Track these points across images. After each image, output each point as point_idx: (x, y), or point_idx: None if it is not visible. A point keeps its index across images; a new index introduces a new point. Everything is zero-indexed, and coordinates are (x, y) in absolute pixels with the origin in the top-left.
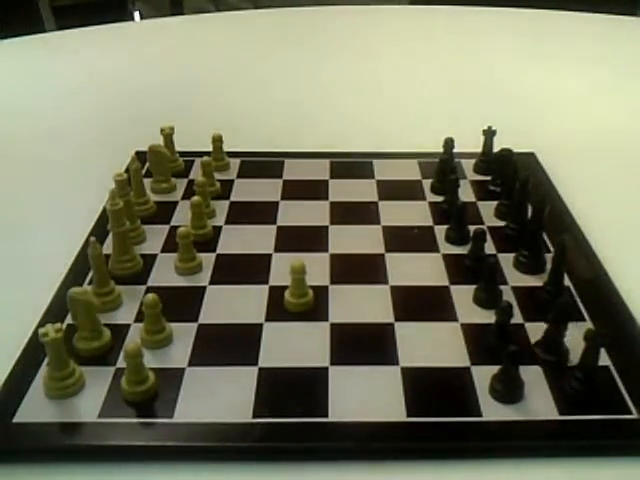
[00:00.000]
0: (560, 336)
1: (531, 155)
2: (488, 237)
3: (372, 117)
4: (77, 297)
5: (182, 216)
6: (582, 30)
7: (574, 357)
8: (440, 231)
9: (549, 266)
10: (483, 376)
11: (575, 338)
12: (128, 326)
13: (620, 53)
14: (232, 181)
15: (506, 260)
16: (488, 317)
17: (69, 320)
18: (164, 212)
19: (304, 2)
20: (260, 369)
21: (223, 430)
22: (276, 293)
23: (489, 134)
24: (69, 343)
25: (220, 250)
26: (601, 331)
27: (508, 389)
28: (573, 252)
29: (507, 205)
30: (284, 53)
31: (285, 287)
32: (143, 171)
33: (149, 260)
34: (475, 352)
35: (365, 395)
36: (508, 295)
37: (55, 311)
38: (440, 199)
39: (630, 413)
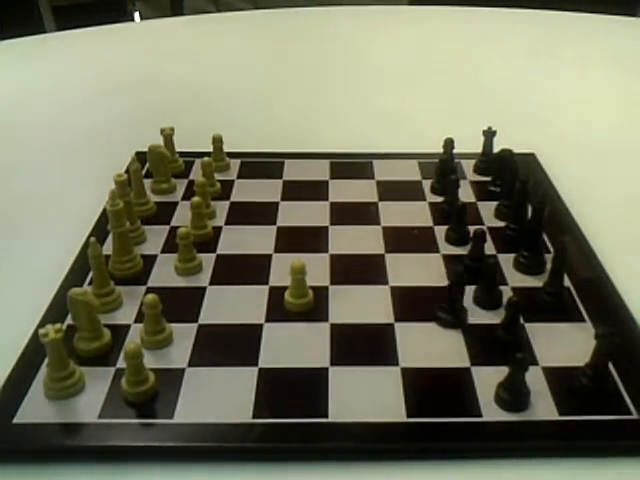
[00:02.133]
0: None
1: (531, 155)
2: (488, 237)
3: (372, 117)
4: (77, 297)
5: (182, 216)
6: (582, 30)
7: (572, 356)
8: (440, 231)
9: (549, 266)
10: (483, 377)
11: (577, 338)
12: (128, 326)
13: (620, 53)
14: (232, 181)
15: (506, 261)
16: (488, 318)
17: (69, 320)
18: (164, 212)
19: (304, 3)
20: (260, 369)
21: (223, 430)
22: (276, 293)
23: (489, 134)
24: (69, 343)
25: (220, 250)
26: (612, 330)
27: (515, 398)
28: (573, 252)
29: (507, 205)
30: (284, 53)
31: (285, 287)
32: (143, 171)
33: (149, 260)
34: (475, 353)
35: (365, 395)
36: (508, 296)
37: (55, 311)
38: (440, 199)
39: (630, 413)
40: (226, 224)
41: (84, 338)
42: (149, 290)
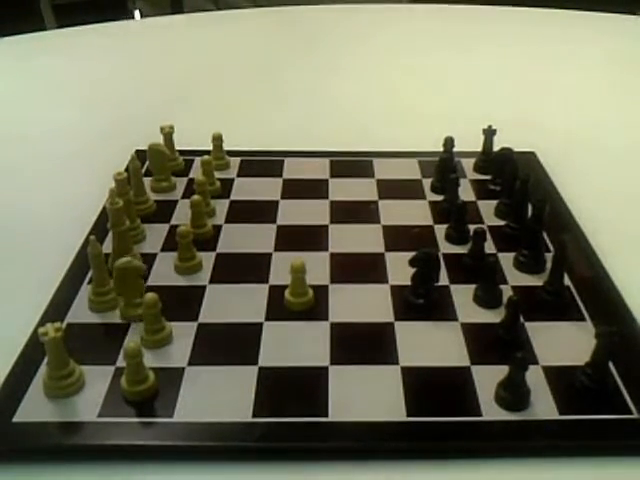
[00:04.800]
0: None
1: (531, 155)
2: (488, 236)
3: (372, 116)
4: (126, 265)
5: (182, 215)
6: (582, 29)
7: (572, 355)
8: (440, 230)
9: (549, 265)
10: (483, 376)
11: (577, 337)
12: (128, 325)
13: (621, 52)
14: (232, 180)
15: (506, 260)
16: (488, 317)
17: (69, 319)
18: (164, 211)
19: (303, 1)
20: (260, 368)
21: (223, 430)
22: (276, 292)
23: (489, 133)
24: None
25: (220, 249)
26: (612, 329)
27: (515, 397)
28: (573, 251)
29: (507, 204)
30: (284, 52)
31: (285, 286)
32: (143, 170)
33: (149, 259)
34: (475, 352)
35: (365, 395)
36: (508, 295)
37: (55, 310)
38: (440, 198)
39: (630, 413)
40: (226, 222)
41: (131, 304)
42: (149, 289)
